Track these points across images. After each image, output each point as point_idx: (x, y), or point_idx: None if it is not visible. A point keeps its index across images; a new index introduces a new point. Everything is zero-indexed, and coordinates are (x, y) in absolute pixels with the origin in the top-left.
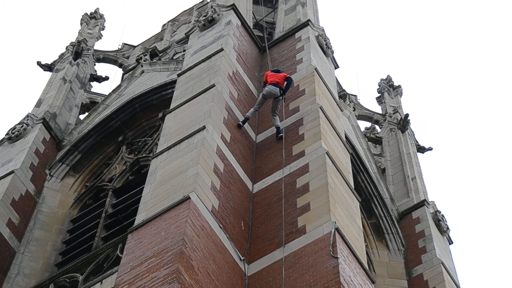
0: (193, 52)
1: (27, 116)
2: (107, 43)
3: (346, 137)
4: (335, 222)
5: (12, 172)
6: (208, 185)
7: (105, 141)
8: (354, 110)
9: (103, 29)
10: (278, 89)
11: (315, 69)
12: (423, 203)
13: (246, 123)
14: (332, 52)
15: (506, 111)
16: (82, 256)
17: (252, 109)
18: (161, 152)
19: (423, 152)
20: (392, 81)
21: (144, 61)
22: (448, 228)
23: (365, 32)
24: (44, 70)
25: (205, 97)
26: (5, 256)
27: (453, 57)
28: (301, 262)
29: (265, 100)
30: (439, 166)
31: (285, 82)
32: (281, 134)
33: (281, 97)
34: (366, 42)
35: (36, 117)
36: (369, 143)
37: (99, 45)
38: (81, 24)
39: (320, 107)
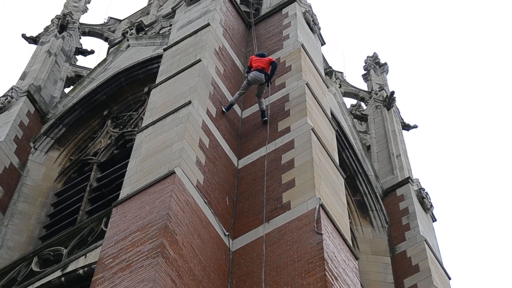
0: (179, 27)
1: (12, 88)
2: (93, 16)
3: (332, 114)
4: (320, 199)
5: None
6: (193, 160)
7: (90, 115)
8: (340, 87)
9: (89, 3)
10: (263, 75)
11: (301, 45)
12: (407, 180)
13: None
14: (319, 28)
15: (491, 89)
16: (66, 229)
17: (236, 94)
18: (146, 127)
19: (408, 130)
20: (378, 59)
21: (130, 35)
22: (431, 205)
23: (352, 8)
24: (29, 42)
25: (191, 72)
26: None
27: (439, 35)
28: (285, 238)
29: (249, 86)
30: (424, 144)
31: (270, 67)
32: (266, 118)
33: (266, 83)
34: (353, 19)
35: (21, 89)
36: (355, 120)
37: (84, 19)
38: None
39: (306, 84)
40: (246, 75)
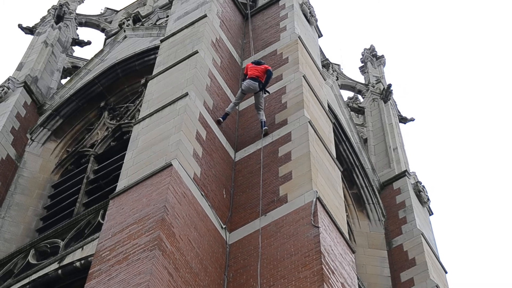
0: (176, 18)
1: (8, 79)
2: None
3: (329, 107)
4: (317, 192)
5: None
6: (190, 152)
7: (87, 106)
8: (337, 79)
9: None
10: (257, 84)
11: (298, 37)
12: (404, 173)
13: (227, 96)
14: (316, 20)
15: (489, 83)
16: (63, 221)
17: (231, 104)
18: (143, 119)
19: (405, 123)
20: (376, 51)
21: (127, 26)
22: (428, 199)
23: (349, 0)
24: (26, 33)
25: (188, 63)
26: None
27: (436, 28)
28: (282, 231)
29: (244, 95)
30: (421, 137)
31: (265, 76)
32: (266, 127)
33: (261, 92)
34: (350, 11)
35: (17, 80)
36: (352, 112)
37: (81, 9)
38: None
39: (303, 76)
40: (241, 82)
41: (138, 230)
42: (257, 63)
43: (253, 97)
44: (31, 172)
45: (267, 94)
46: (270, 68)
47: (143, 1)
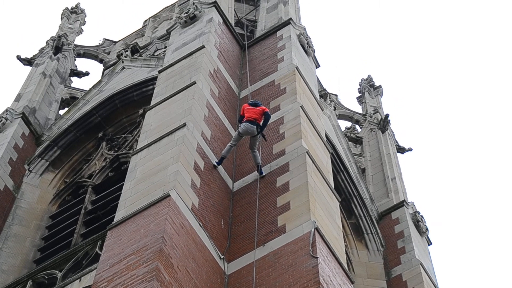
0: (174, 49)
1: (6, 110)
2: (88, 38)
3: (327, 137)
4: (315, 222)
5: None
6: (188, 183)
7: (85, 137)
8: (334, 109)
9: (84, 24)
10: (255, 127)
11: (296, 68)
12: (402, 203)
13: (225, 126)
14: (314, 51)
15: (485, 112)
16: (61, 252)
17: (227, 146)
18: (141, 149)
19: (403, 153)
20: (373, 81)
21: (125, 57)
22: (427, 229)
23: (346, 31)
24: (24, 64)
25: (186, 94)
26: None
27: (433, 58)
28: (280, 262)
29: (241, 137)
30: (418, 167)
31: (263, 118)
32: (263, 174)
33: (258, 135)
34: (347, 42)
35: (16, 111)
36: (350, 142)
37: (79, 40)
38: (61, 18)
39: (301, 106)
40: (238, 124)
41: (136, 261)
42: (254, 104)
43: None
44: (29, 203)
45: (266, 140)
46: (267, 110)
47: (141, 32)
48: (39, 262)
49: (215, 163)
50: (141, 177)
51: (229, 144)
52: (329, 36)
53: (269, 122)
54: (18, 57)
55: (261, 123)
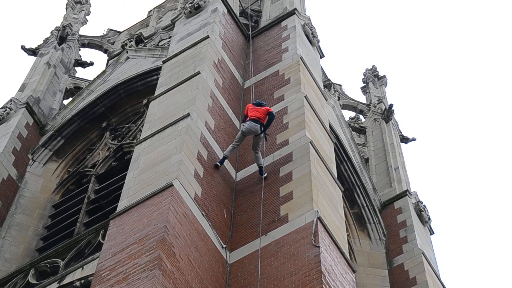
0: (179, 39)
1: (11, 100)
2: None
3: (330, 127)
4: (318, 211)
5: None
6: (191, 173)
7: (89, 126)
8: (338, 99)
9: (89, 14)
10: (258, 126)
11: (300, 58)
12: (405, 193)
13: (229, 117)
14: (318, 41)
15: (489, 102)
16: (63, 241)
17: (230, 147)
18: (145, 139)
19: (406, 143)
20: (377, 71)
21: (130, 47)
22: (429, 218)
23: (351, 21)
24: (29, 54)
25: (190, 84)
26: None
27: (438, 48)
28: (282, 251)
29: (244, 137)
30: (422, 157)
31: (267, 118)
32: (265, 175)
33: (262, 135)
34: (352, 32)
35: (20, 101)
36: (353, 132)
37: (84, 30)
38: (66, 8)
39: (305, 96)
40: (241, 124)
41: (139, 250)
42: (258, 104)
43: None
44: (32, 192)
45: (266, 140)
46: (272, 110)
47: (146, 22)
48: (41, 251)
49: (217, 163)
50: (145, 166)
51: (232, 144)
52: (334, 26)
53: (274, 112)
54: (23, 47)
55: (265, 122)
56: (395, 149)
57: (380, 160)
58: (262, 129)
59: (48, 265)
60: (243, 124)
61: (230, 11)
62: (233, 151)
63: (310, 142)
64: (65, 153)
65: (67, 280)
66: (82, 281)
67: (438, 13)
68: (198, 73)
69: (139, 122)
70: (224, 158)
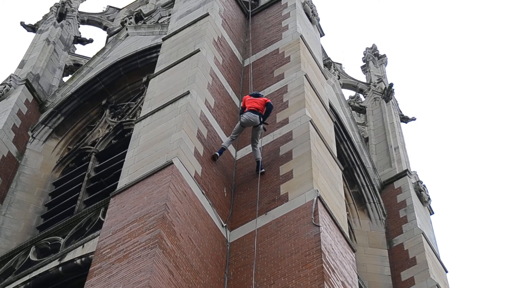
0: (179, 17)
1: (10, 77)
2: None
3: (330, 106)
4: (317, 191)
5: None
6: (191, 151)
7: (89, 104)
8: (338, 78)
9: None
10: (257, 116)
11: (300, 36)
12: (405, 173)
13: (228, 95)
14: (318, 19)
15: (490, 82)
16: (64, 219)
17: (228, 138)
18: (145, 117)
19: (406, 122)
20: (377, 50)
21: (129, 24)
22: (429, 198)
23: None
24: (28, 31)
25: (189, 62)
26: None
27: (438, 27)
28: (282, 230)
29: (243, 129)
30: (422, 136)
31: (265, 108)
32: (263, 170)
33: (260, 126)
34: (352, 10)
35: (19, 78)
36: (353, 112)
37: (83, 7)
38: None
39: (305, 75)
40: (239, 116)
41: (139, 228)
42: (255, 95)
43: None
44: (32, 170)
45: (265, 129)
46: (269, 101)
47: None
48: (42, 228)
49: (216, 153)
50: (144, 144)
51: (230, 136)
52: (334, 5)
53: (274, 91)
54: (22, 24)
55: (263, 113)
56: (395, 129)
57: (380, 139)
58: (261, 120)
59: (49, 243)
60: (241, 115)
61: None
62: (231, 143)
63: (310, 121)
64: (65, 131)
65: (67, 257)
66: (83, 258)
67: None
68: (198, 50)
69: (139, 100)
70: (223, 149)
